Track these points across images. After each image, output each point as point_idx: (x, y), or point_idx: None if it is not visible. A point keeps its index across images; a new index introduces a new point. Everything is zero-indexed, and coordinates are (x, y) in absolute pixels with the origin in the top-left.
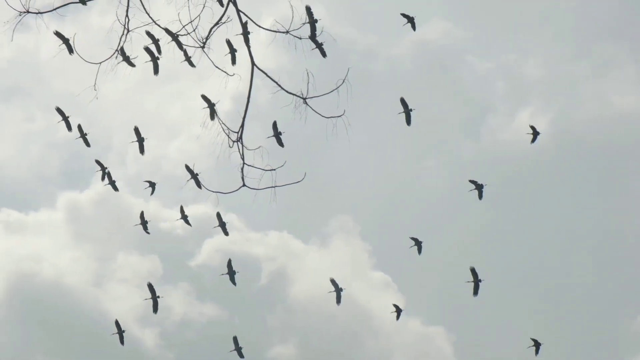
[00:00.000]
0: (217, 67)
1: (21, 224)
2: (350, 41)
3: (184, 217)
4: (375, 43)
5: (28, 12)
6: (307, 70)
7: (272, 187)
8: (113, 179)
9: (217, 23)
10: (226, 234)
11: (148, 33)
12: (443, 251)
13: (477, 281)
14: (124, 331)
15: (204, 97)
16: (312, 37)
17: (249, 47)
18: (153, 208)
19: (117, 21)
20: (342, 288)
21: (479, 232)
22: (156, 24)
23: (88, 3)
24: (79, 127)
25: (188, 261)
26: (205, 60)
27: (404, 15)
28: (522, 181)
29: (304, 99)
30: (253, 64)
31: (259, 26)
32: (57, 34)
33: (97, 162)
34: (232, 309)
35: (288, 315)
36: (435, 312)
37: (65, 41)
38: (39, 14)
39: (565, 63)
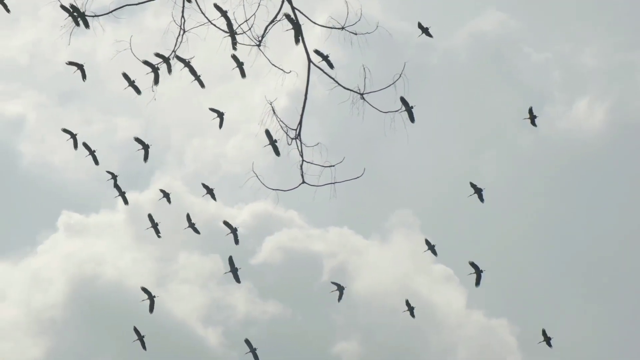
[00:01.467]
0: (273, 64)
1: (82, 226)
2: (405, 35)
3: (192, 225)
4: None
5: (85, 15)
6: (363, 65)
7: (331, 183)
8: (123, 190)
9: (272, 21)
10: (237, 242)
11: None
12: (503, 243)
13: (478, 272)
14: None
15: (212, 109)
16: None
17: (305, 44)
18: (213, 207)
19: (173, 22)
20: (344, 286)
21: (539, 223)
22: (212, 23)
23: (143, 5)
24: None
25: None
26: (261, 59)
27: (420, 26)
28: (580, 170)
29: (361, 94)
30: (309, 60)
31: (314, 23)
32: (71, 63)
33: (109, 172)
34: (295, 306)
35: (351, 311)
36: (498, 304)
37: (80, 67)
38: (95, 17)
39: (621, 51)
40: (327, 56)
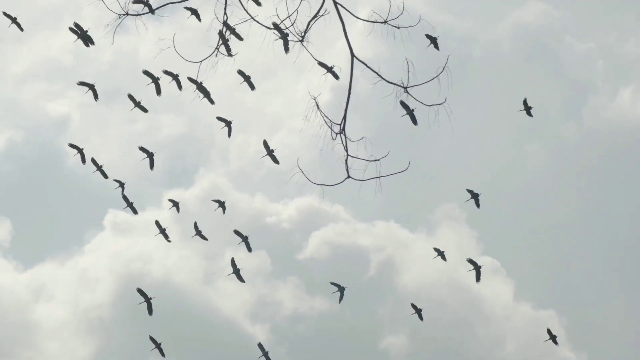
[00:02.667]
0: (316, 60)
1: (129, 225)
2: (448, 28)
3: (199, 233)
4: (473, 28)
5: (127, 14)
6: (406, 59)
7: (376, 177)
8: (131, 200)
9: (315, 16)
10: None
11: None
12: (550, 233)
13: (477, 268)
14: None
15: (219, 118)
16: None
17: (347, 38)
18: (259, 203)
19: (216, 19)
20: (345, 287)
21: (584, 213)
22: (254, 20)
23: (185, 2)
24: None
25: (296, 255)
26: (304, 54)
27: (427, 36)
28: (625, 159)
29: (405, 88)
30: (352, 55)
31: (357, 17)
32: (82, 83)
33: (116, 180)
34: (343, 301)
35: (398, 305)
36: (546, 295)
37: (91, 87)
38: (138, 16)
39: None
40: (332, 67)
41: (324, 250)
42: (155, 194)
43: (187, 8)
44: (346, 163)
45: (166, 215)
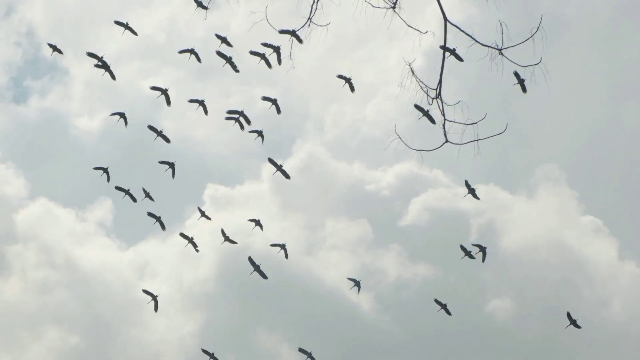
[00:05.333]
0: (409, 26)
1: (228, 199)
2: None
3: (227, 239)
4: None
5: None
6: (500, 20)
7: (474, 140)
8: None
9: None
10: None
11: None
12: None
13: (483, 249)
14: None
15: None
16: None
17: (440, 3)
18: (357, 171)
19: None
20: (359, 280)
21: None
22: None
23: None
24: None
25: (397, 222)
26: (396, 21)
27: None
28: None
29: (500, 50)
30: (445, 19)
31: None
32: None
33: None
34: (446, 267)
35: (502, 268)
36: None
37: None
38: None
39: None
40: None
41: (425, 216)
42: (253, 167)
43: None
44: (444, 127)
45: (265, 187)
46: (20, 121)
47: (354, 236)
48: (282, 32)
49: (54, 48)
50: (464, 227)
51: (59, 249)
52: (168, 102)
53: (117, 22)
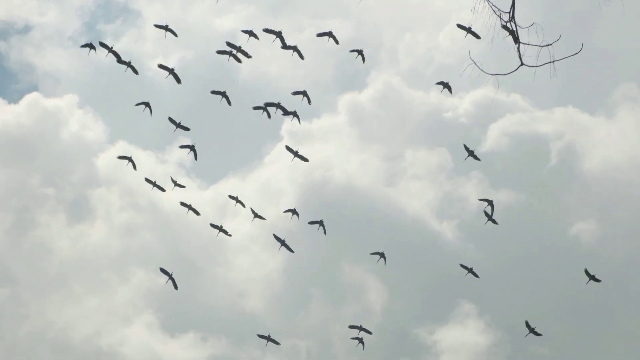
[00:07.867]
0: None
1: (306, 133)
2: None
3: (257, 215)
4: None
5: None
6: None
7: (550, 62)
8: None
9: None
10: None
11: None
12: None
13: (490, 202)
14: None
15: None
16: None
17: None
18: (435, 99)
19: None
20: (383, 251)
21: None
22: None
23: None
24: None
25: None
26: None
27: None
28: None
29: None
30: None
31: None
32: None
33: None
34: (528, 192)
35: (584, 191)
36: None
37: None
38: None
39: None
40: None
41: (504, 141)
42: (329, 100)
43: None
44: (518, 50)
45: (343, 119)
46: (95, 66)
47: (434, 165)
48: None
49: None
50: (543, 151)
51: (141, 192)
52: (178, 81)
53: (157, 25)
